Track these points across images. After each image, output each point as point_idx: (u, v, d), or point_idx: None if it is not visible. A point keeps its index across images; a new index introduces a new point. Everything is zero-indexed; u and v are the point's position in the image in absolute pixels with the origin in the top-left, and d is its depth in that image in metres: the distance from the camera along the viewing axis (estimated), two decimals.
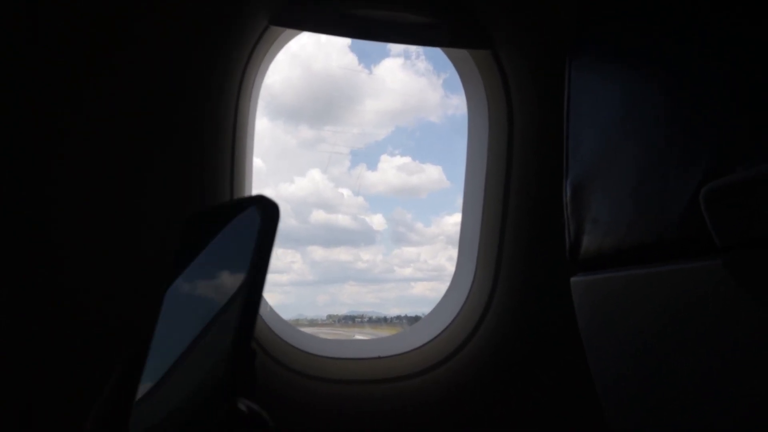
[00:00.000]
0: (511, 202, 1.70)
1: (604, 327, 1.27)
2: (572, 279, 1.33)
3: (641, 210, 1.12)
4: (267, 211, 0.43)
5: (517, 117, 1.69)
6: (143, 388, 0.45)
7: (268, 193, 0.45)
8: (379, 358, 1.71)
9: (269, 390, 1.62)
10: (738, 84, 0.90)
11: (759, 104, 0.86)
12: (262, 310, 1.65)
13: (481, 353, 1.72)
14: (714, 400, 0.95)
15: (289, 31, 1.68)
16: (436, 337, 1.74)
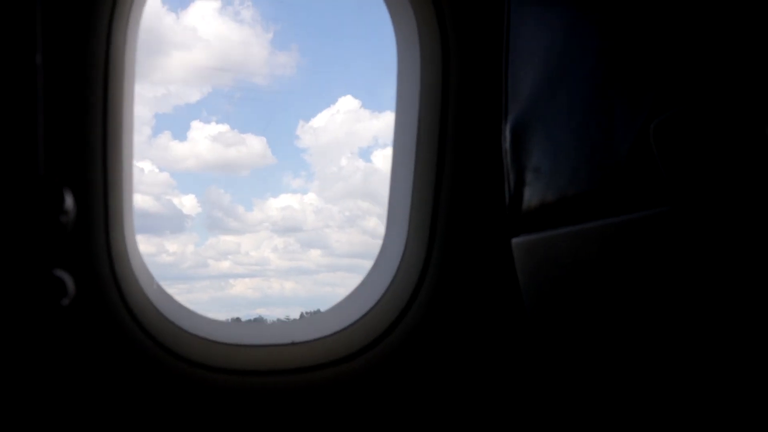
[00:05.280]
0: (447, 156, 1.50)
1: (549, 293, 1.11)
2: (513, 240, 1.15)
3: (586, 153, 0.97)
4: None
5: (453, 55, 1.49)
6: None
7: None
8: (294, 344, 1.49)
9: (161, 387, 1.38)
10: (685, 15, 0.81)
11: (708, 36, 0.78)
12: (147, 289, 1.40)
13: (414, 334, 1.52)
14: (680, 371, 0.90)
15: None
16: (360, 318, 1.54)
